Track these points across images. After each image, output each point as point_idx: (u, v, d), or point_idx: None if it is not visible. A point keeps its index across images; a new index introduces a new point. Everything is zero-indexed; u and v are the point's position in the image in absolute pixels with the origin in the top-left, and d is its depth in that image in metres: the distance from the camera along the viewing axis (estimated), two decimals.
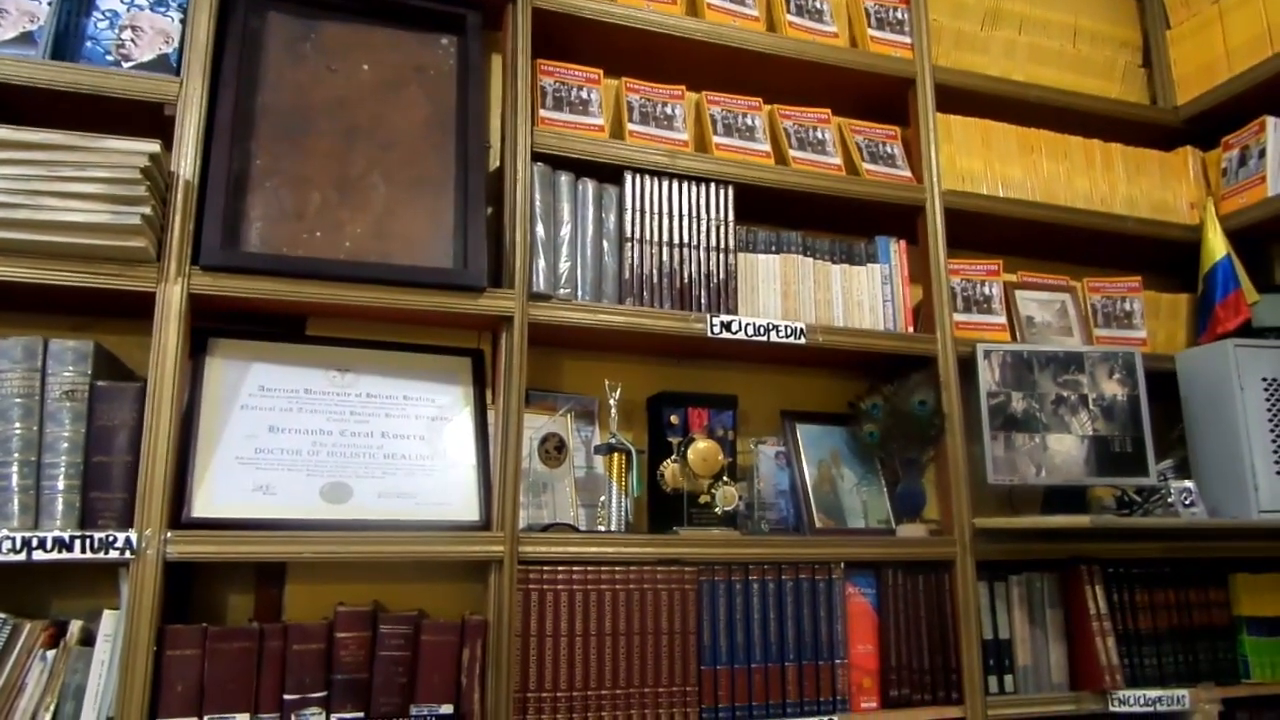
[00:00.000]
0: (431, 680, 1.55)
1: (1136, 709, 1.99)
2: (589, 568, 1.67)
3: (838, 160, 2.11)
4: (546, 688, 1.60)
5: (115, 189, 1.44)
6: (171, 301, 1.51)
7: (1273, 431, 2.04)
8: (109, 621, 1.41)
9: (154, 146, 1.46)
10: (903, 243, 2.11)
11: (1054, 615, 2.05)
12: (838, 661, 1.80)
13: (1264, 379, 2.07)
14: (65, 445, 1.43)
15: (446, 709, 1.55)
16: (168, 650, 1.42)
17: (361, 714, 1.50)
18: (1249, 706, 2.13)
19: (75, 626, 1.43)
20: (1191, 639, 2.12)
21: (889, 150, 2.19)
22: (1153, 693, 2.01)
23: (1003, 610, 2.00)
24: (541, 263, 1.78)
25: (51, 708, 1.37)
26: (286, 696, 1.47)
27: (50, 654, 1.39)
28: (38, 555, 1.38)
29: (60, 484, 1.42)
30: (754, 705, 1.73)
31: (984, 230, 2.26)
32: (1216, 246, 2.31)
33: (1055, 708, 1.97)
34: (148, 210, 1.46)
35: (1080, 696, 1.99)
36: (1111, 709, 1.97)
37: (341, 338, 1.75)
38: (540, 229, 1.79)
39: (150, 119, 1.58)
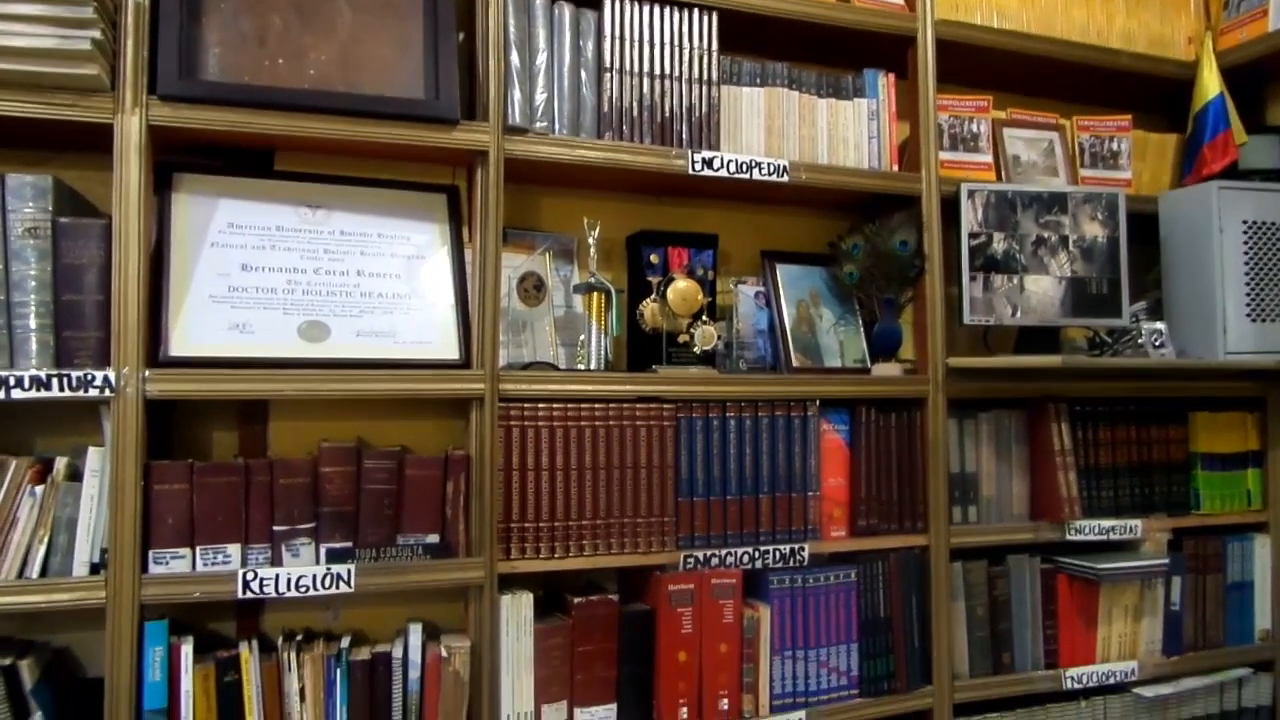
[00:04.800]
0: (417, 512, 1.59)
1: (1091, 537, 2.09)
2: (569, 405, 1.70)
3: None
4: (529, 518, 1.66)
5: (60, 10, 1.35)
6: (130, 133, 1.44)
7: (1247, 275, 2.06)
8: (95, 458, 1.43)
9: None
10: (891, 76, 2.04)
11: (1019, 451, 2.12)
12: (810, 494, 1.87)
13: (1244, 222, 2.06)
14: (33, 284, 1.40)
15: (432, 538, 1.60)
16: (155, 485, 1.44)
17: (350, 543, 1.55)
18: (1196, 535, 2.26)
19: (61, 463, 1.44)
20: (1148, 473, 2.21)
21: None
22: (1107, 522, 2.12)
23: (970, 446, 2.07)
24: (517, 94, 1.71)
25: (45, 540, 1.40)
26: (276, 528, 1.51)
27: (39, 489, 1.41)
28: (16, 394, 1.37)
29: (32, 323, 1.40)
30: (729, 534, 1.80)
31: (975, 64, 2.18)
32: (1210, 85, 2.25)
33: (1014, 536, 2.07)
34: (97, 34, 1.37)
35: (1039, 526, 2.09)
36: (1068, 537, 2.08)
37: (311, 173, 1.69)
38: (515, 57, 1.71)
39: None
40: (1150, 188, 2.32)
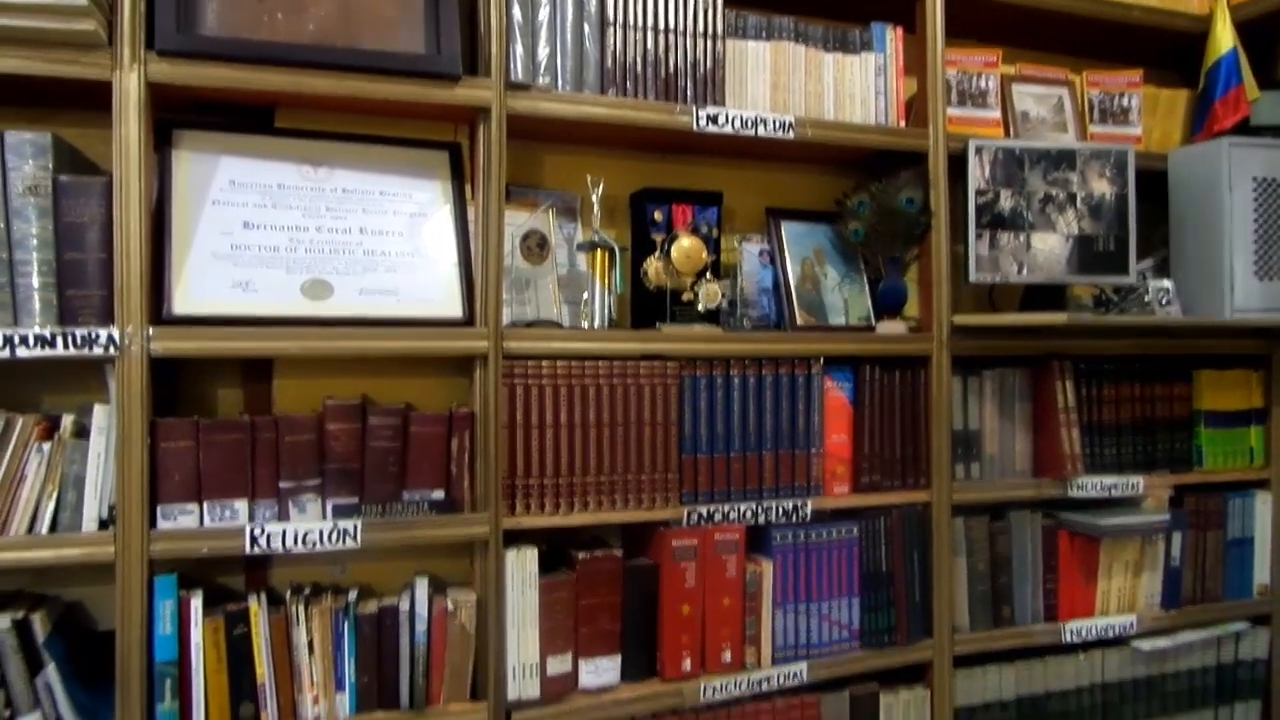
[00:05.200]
0: (422, 468, 1.61)
1: (1093, 494, 2.10)
2: (573, 363, 1.70)
3: None
4: (534, 475, 1.67)
5: None
6: (129, 90, 1.43)
7: (1256, 232, 2.04)
8: (101, 415, 1.44)
9: None
10: (899, 30, 2.01)
11: (1023, 408, 2.12)
12: (813, 450, 1.88)
13: (1255, 179, 2.04)
14: (35, 242, 1.40)
15: (438, 494, 1.61)
16: (162, 442, 1.45)
17: (356, 499, 1.56)
18: (1198, 491, 2.27)
19: (68, 420, 1.46)
20: (1151, 430, 2.22)
21: None
22: (1109, 479, 2.12)
23: (974, 403, 2.07)
24: (519, 48, 1.69)
25: (54, 496, 1.42)
26: (282, 484, 1.52)
27: (46, 446, 1.42)
28: (21, 352, 1.38)
29: (35, 281, 1.40)
30: (732, 490, 1.81)
31: (985, 18, 2.15)
32: (1223, 39, 2.22)
33: (1016, 493, 2.08)
34: None
35: (1041, 483, 2.10)
36: (1070, 494, 2.09)
37: (312, 130, 1.68)
38: (517, 11, 1.69)
39: None
40: (1160, 145, 2.29)
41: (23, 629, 1.40)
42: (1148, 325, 2.08)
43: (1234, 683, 2.30)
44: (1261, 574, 2.34)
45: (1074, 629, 2.10)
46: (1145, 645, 2.15)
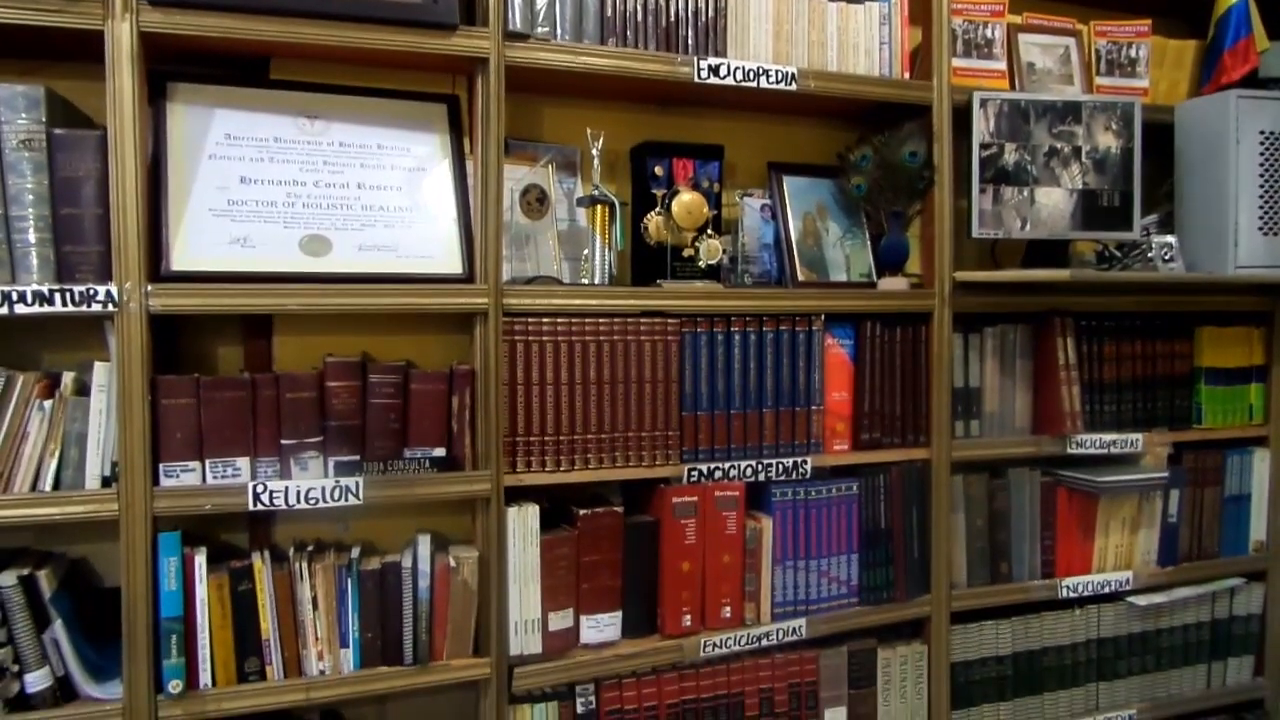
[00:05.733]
0: (423, 426, 1.60)
1: (1092, 450, 2.11)
2: (573, 319, 1.69)
3: None
4: (534, 432, 1.67)
5: None
6: (121, 41, 1.40)
7: (1261, 187, 2.02)
8: (101, 373, 1.43)
9: None
10: None
11: (1024, 365, 2.12)
12: (814, 408, 1.88)
13: (1262, 132, 2.02)
14: (30, 197, 1.39)
15: (439, 452, 1.62)
16: (162, 400, 1.45)
17: (357, 456, 1.57)
18: (1196, 448, 2.27)
19: (69, 378, 1.45)
20: (1151, 387, 2.22)
21: None
22: (1108, 436, 2.13)
23: (975, 360, 2.06)
24: None
25: (56, 453, 1.41)
26: (284, 441, 1.52)
27: (48, 404, 1.42)
28: (19, 309, 1.37)
29: (31, 237, 1.39)
30: (732, 447, 1.82)
31: None
32: None
33: (1016, 450, 2.09)
34: None
35: (1040, 440, 2.10)
36: (1069, 451, 2.09)
37: (308, 82, 1.65)
38: None
39: None
40: (1167, 97, 2.26)
41: (29, 585, 1.41)
42: (1151, 281, 2.07)
43: (1228, 637, 2.33)
44: (1258, 530, 2.36)
45: (1071, 585, 2.12)
46: (1141, 601, 2.18)
